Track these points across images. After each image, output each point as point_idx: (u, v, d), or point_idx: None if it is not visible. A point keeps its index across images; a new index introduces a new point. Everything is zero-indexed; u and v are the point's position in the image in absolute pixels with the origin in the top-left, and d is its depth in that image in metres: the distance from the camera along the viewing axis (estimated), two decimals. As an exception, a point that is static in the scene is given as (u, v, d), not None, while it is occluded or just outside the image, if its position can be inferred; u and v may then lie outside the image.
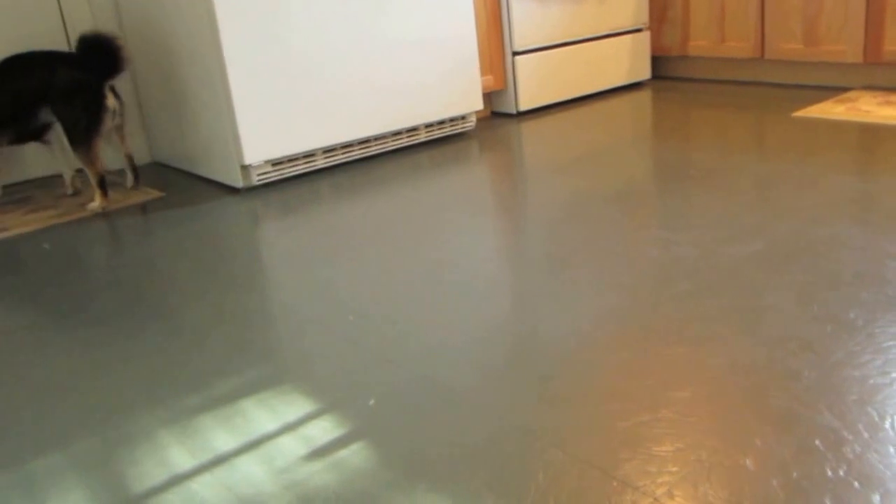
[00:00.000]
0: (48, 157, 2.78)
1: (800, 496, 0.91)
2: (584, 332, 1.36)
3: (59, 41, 2.79)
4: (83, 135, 2.29)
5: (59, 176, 2.74)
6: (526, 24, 3.14)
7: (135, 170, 2.61)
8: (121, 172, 2.72)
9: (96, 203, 2.38)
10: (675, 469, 0.98)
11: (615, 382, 1.20)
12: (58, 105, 2.27)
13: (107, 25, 2.85)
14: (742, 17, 3.28)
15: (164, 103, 2.75)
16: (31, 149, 2.76)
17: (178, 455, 1.12)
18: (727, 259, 1.61)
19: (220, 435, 1.16)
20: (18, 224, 2.31)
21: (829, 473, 0.95)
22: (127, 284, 1.80)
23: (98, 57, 2.31)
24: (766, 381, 1.15)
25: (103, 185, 2.37)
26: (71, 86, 2.28)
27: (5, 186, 2.72)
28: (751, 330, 1.31)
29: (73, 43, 2.38)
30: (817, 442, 1.01)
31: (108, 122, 2.35)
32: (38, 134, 2.42)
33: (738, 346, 1.26)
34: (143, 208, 2.40)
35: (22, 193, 2.65)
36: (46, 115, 2.31)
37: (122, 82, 2.91)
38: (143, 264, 1.92)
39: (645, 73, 3.65)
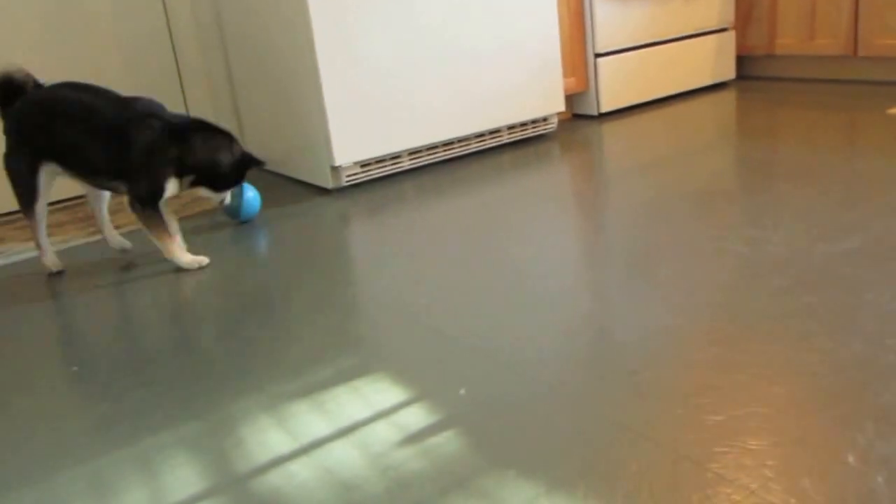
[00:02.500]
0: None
1: (904, 491, 0.89)
2: (674, 328, 1.35)
3: (167, 57, 2.92)
4: None
5: None
6: (609, 26, 3.13)
7: None
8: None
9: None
10: (772, 463, 0.97)
11: (707, 377, 1.19)
12: None
13: (209, 33, 2.96)
14: (833, 14, 3.19)
15: (258, 110, 2.84)
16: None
17: (279, 438, 1.17)
18: (822, 256, 1.57)
19: (316, 420, 1.20)
20: (130, 221, 2.44)
21: (935, 469, 0.93)
22: (227, 279, 1.86)
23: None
24: (867, 378, 1.13)
25: None
26: None
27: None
28: (848, 326, 1.28)
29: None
30: (922, 438, 0.98)
31: None
32: None
33: (835, 342, 1.24)
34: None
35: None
36: None
37: (221, 88, 3.02)
38: (241, 259, 1.98)
39: (729, 73, 3.59)
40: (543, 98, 2.89)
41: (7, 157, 2.00)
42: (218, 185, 2.04)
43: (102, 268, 2.06)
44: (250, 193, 2.32)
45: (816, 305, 1.37)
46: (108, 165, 1.94)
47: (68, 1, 2.74)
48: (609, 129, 3.00)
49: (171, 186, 1.97)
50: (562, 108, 2.95)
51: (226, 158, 2.01)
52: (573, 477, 0.99)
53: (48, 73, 2.69)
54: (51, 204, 2.82)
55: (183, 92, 2.99)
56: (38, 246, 2.07)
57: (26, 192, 2.01)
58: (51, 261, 2.07)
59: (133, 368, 1.45)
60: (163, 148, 1.93)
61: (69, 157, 1.96)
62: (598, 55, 3.14)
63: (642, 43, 3.26)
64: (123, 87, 2.85)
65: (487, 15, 2.68)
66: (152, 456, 1.16)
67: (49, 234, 2.41)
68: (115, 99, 1.97)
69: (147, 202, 1.94)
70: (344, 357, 1.39)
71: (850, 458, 0.96)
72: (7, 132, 1.99)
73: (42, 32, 2.71)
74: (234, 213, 2.33)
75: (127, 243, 2.17)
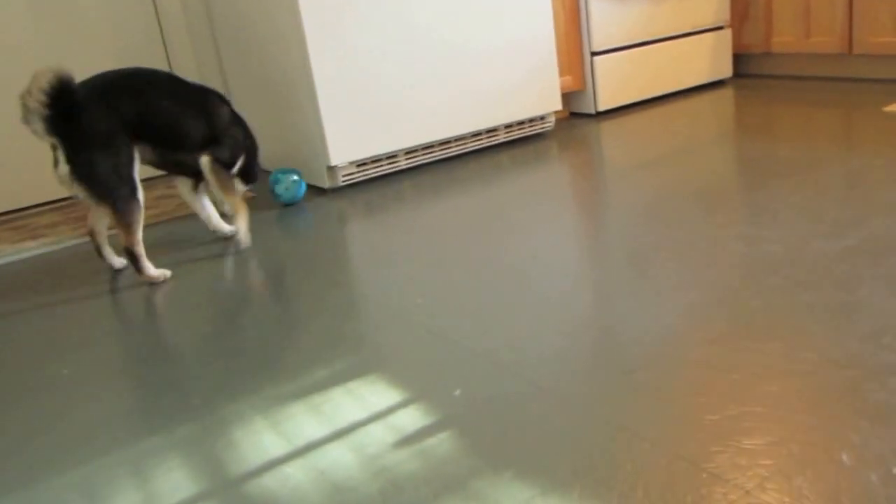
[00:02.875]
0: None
1: (899, 490, 0.89)
2: (670, 327, 1.35)
3: (158, 54, 2.91)
4: None
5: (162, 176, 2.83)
6: (604, 25, 3.13)
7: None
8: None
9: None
10: (767, 462, 0.97)
11: (702, 376, 1.18)
12: None
13: (202, 36, 2.95)
14: (828, 12, 3.19)
15: (253, 110, 2.83)
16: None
17: (273, 440, 1.16)
18: (818, 254, 1.57)
19: (312, 422, 1.20)
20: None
21: (930, 468, 0.92)
22: (222, 280, 1.86)
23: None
24: (861, 376, 1.13)
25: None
26: None
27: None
28: (843, 324, 1.28)
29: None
30: (917, 436, 0.98)
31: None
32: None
33: (830, 340, 1.24)
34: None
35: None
36: None
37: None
38: (236, 260, 1.98)
39: (726, 71, 3.58)
40: (540, 97, 2.89)
41: (94, 158, 1.77)
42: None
43: (96, 269, 2.06)
44: (295, 177, 2.44)
45: (813, 303, 1.37)
46: (197, 135, 1.99)
47: (61, 10, 2.74)
48: (606, 127, 3.00)
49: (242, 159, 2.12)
50: (559, 106, 2.95)
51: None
52: (569, 478, 0.99)
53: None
54: (43, 204, 2.82)
55: (179, 92, 2.99)
56: (141, 258, 1.88)
57: (132, 186, 1.83)
58: (159, 271, 1.92)
59: (126, 370, 1.45)
60: (239, 120, 2.12)
61: (160, 133, 1.92)
62: (594, 53, 3.14)
63: (639, 41, 3.26)
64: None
65: (483, 13, 2.67)
66: (146, 459, 1.16)
67: (41, 235, 2.41)
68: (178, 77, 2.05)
69: (229, 168, 2.06)
70: (340, 358, 1.39)
71: (845, 457, 0.96)
72: (90, 128, 1.77)
73: (36, 37, 2.71)
74: (291, 198, 2.45)
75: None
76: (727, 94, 3.34)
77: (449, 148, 2.73)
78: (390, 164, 2.61)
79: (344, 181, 2.52)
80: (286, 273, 1.86)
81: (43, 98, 1.69)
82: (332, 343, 1.45)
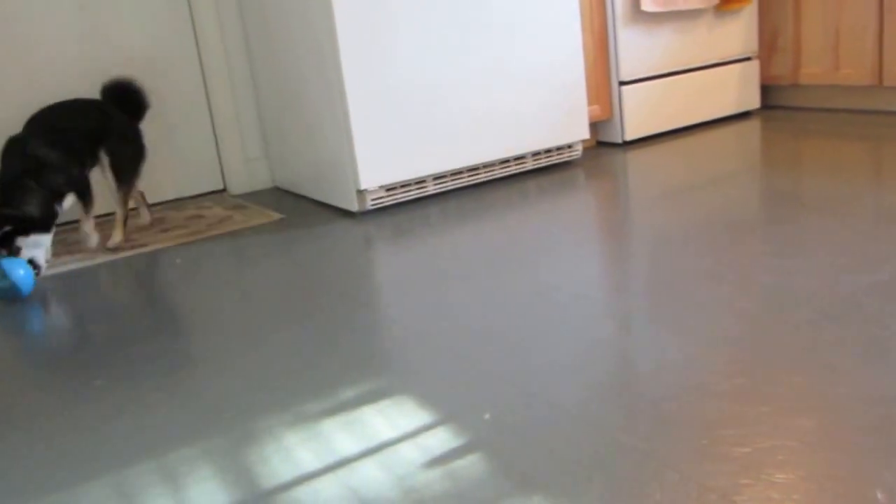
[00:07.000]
0: (169, 181, 2.96)
1: (933, 527, 0.89)
2: (698, 357, 1.35)
3: (196, 80, 2.96)
4: (129, 175, 2.47)
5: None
6: (633, 54, 3.14)
7: (147, 206, 2.73)
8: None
9: (117, 238, 2.45)
10: (798, 497, 0.97)
11: (731, 408, 1.18)
12: (114, 146, 2.42)
13: (237, 57, 3.00)
14: (858, 44, 3.19)
15: (285, 132, 2.87)
16: (167, 172, 2.92)
17: (303, 456, 1.17)
18: (849, 288, 1.56)
19: (341, 440, 1.21)
20: (154, 241, 2.48)
21: (965, 506, 0.92)
22: (252, 299, 1.88)
23: (126, 102, 2.54)
24: (895, 413, 1.12)
25: (126, 222, 2.51)
26: (125, 129, 2.48)
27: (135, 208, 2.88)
28: (876, 360, 1.27)
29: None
30: (951, 474, 0.97)
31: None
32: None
33: (862, 376, 1.23)
34: (265, 230, 2.51)
35: (156, 214, 2.82)
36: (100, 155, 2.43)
37: (247, 110, 3.06)
38: (267, 281, 2.00)
39: (754, 102, 3.59)
40: (568, 125, 2.91)
41: None
42: None
43: (115, 279, 2.09)
44: (21, 271, 2.04)
45: (843, 338, 1.36)
46: None
47: (106, 45, 2.80)
48: (633, 157, 3.01)
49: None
50: (586, 135, 2.97)
51: None
52: (597, 504, 0.99)
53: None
54: None
55: (210, 109, 3.04)
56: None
57: None
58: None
59: (157, 380, 1.47)
60: None
61: None
62: (622, 83, 3.15)
63: (666, 71, 3.27)
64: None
65: (514, 41, 2.70)
66: (178, 468, 1.17)
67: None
68: None
69: None
70: (367, 378, 1.40)
71: (879, 495, 0.95)
72: None
73: (79, 75, 2.77)
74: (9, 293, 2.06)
75: None
76: (754, 125, 3.35)
77: (477, 174, 2.75)
78: (419, 188, 2.63)
79: (372, 205, 2.54)
80: (314, 294, 1.87)
81: None
82: (359, 363, 1.47)
